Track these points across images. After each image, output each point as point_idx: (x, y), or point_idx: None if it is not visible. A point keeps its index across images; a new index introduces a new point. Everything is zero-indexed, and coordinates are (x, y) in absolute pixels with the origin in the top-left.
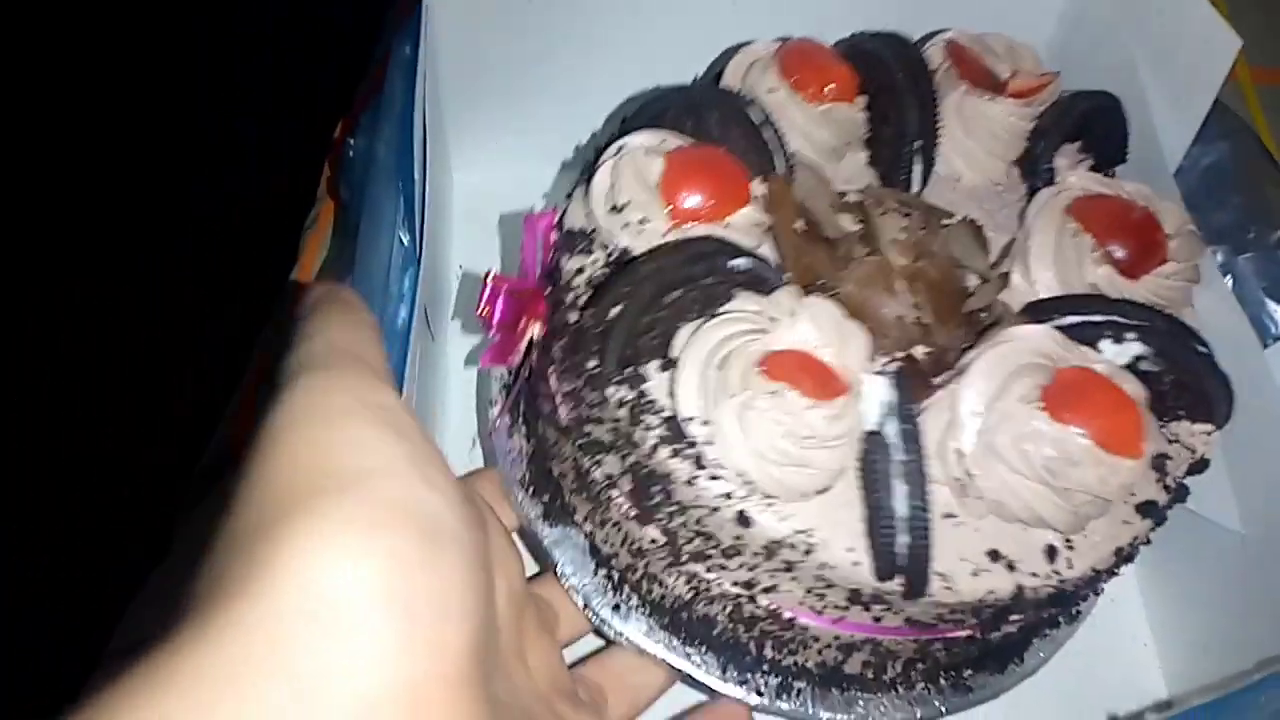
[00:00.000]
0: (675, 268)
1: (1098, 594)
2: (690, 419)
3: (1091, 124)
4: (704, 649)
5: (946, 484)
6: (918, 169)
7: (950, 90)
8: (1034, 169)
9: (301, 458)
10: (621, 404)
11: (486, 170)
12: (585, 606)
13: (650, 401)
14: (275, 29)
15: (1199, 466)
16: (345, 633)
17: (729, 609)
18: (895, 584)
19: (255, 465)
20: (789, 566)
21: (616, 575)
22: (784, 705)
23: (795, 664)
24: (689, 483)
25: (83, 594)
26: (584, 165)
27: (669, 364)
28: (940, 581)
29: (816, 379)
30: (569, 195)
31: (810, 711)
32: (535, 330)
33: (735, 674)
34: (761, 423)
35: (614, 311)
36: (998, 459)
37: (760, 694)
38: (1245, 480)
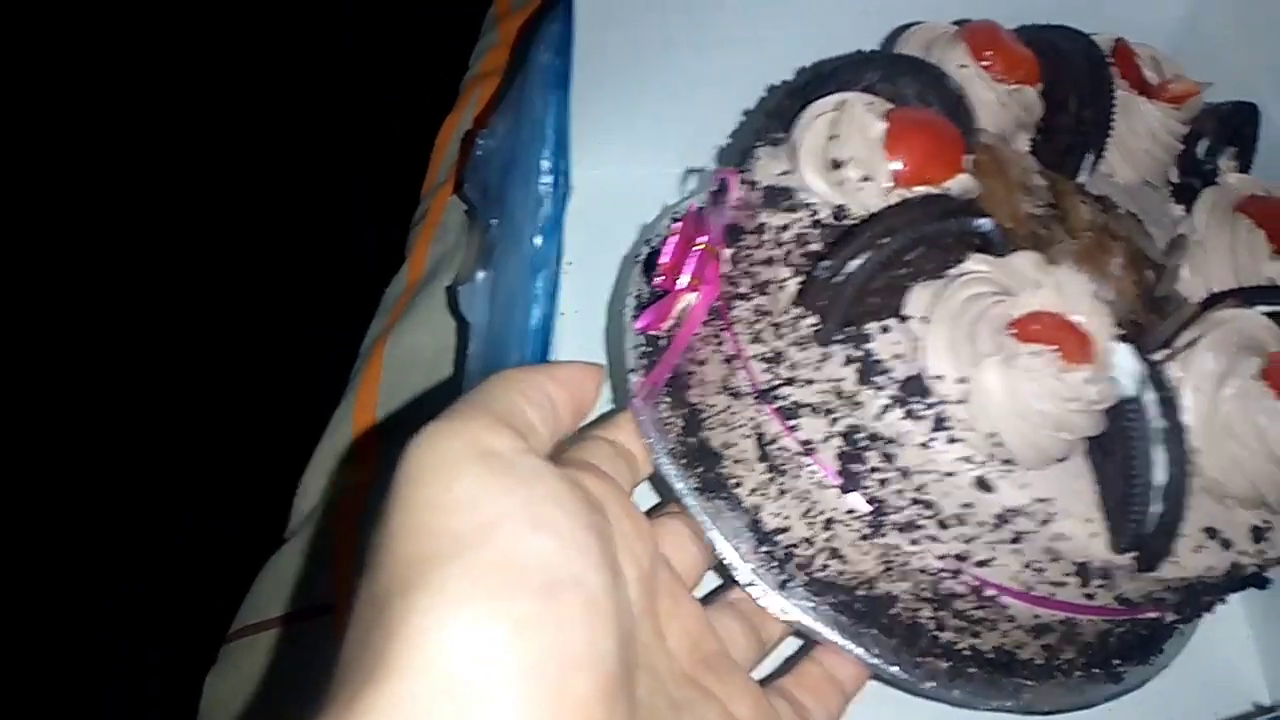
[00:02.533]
0: (916, 224)
1: None
2: (941, 377)
3: (1238, 130)
4: (875, 630)
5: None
6: (1088, 159)
7: (1117, 87)
8: (1195, 169)
9: (421, 520)
10: (847, 362)
11: (608, 167)
12: (745, 586)
13: (878, 361)
14: (371, 24)
15: None
16: (475, 708)
17: (920, 585)
18: (1128, 558)
19: (383, 525)
20: (1017, 538)
21: (782, 551)
22: (954, 693)
23: (971, 648)
24: (924, 445)
25: (126, 601)
26: (772, 123)
27: (904, 322)
28: (1169, 557)
29: (1074, 341)
30: (754, 154)
31: (978, 699)
32: (695, 297)
33: (907, 657)
34: (1025, 382)
35: (850, 267)
36: (1228, 436)
37: (931, 680)
38: None
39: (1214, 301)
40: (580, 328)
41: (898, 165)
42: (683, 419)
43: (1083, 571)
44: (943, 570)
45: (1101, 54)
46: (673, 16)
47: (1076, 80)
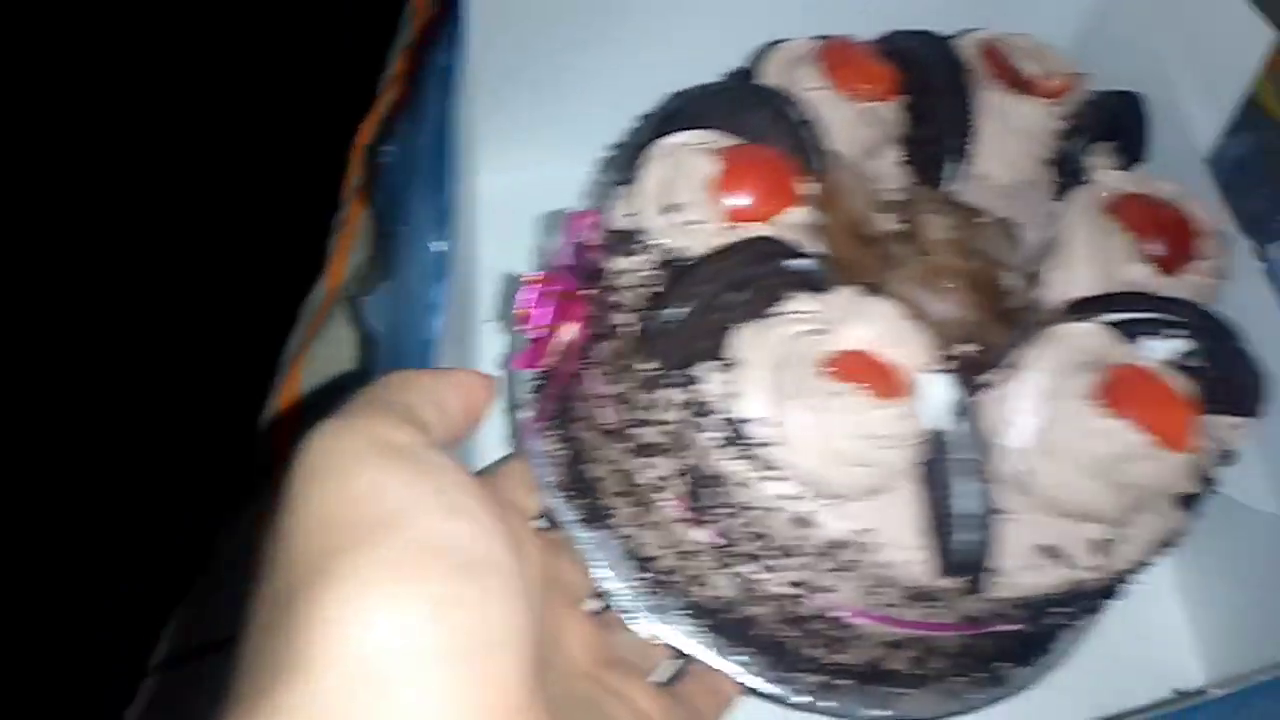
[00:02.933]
0: (736, 268)
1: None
2: (755, 420)
3: (1120, 123)
4: (747, 649)
5: (1000, 481)
6: (951, 168)
7: (983, 89)
8: (1067, 168)
9: (322, 513)
10: (678, 406)
11: (517, 171)
12: (625, 612)
13: (708, 403)
14: (289, 31)
15: (1228, 459)
16: (397, 694)
17: (777, 609)
18: (956, 582)
19: (280, 525)
20: (847, 566)
21: (655, 579)
22: (826, 704)
23: (839, 663)
24: (749, 485)
25: (126, 601)
26: (623, 165)
27: (727, 365)
28: (996, 577)
29: (881, 378)
30: (609, 195)
31: (851, 709)
32: (573, 332)
33: (778, 674)
34: (831, 423)
35: (673, 313)
36: (1056, 456)
37: (803, 694)
38: (1276, 463)
39: (1075, 310)
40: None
41: (730, 205)
42: (569, 452)
43: (917, 595)
44: (790, 595)
45: (957, 58)
46: (584, 14)
47: (938, 88)
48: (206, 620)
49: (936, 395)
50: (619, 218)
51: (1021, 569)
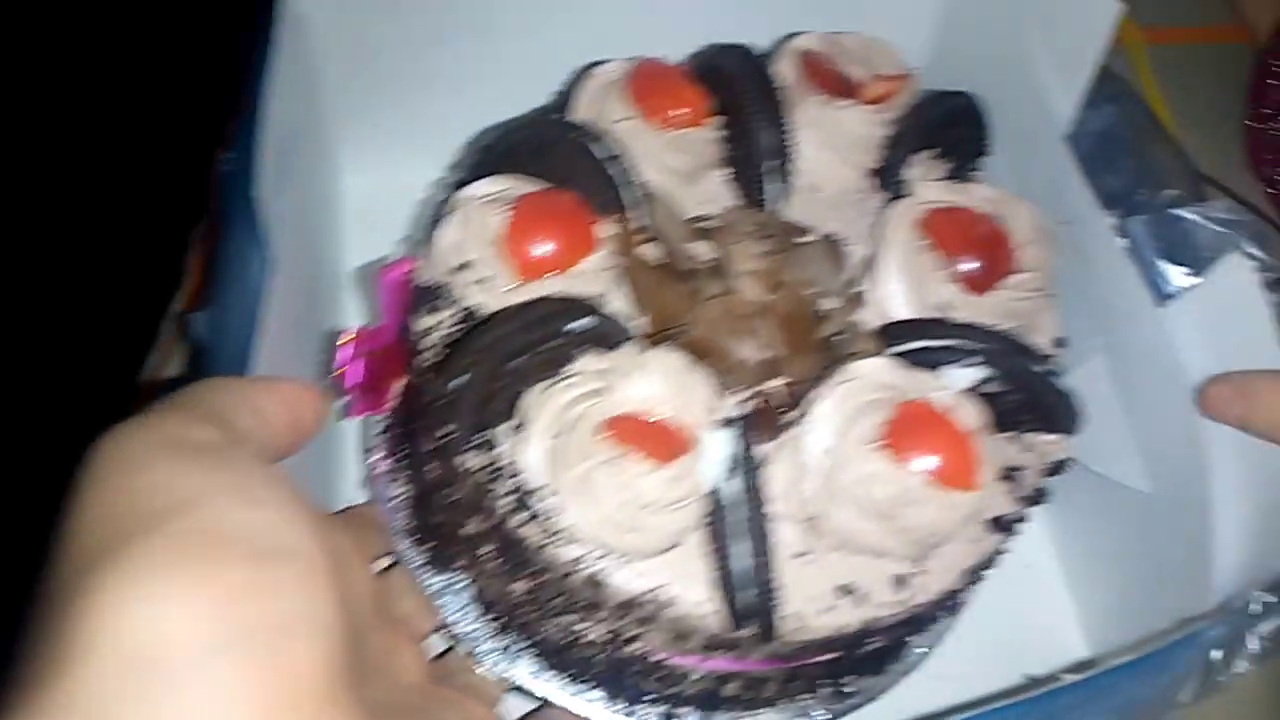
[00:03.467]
0: (515, 335)
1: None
2: (537, 489)
3: (948, 126)
4: (590, 685)
5: (796, 524)
6: (773, 187)
7: (804, 100)
8: (888, 180)
9: (106, 507)
10: (473, 471)
11: (379, 173)
12: (472, 653)
13: (501, 468)
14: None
15: (1058, 469)
16: (181, 686)
17: (603, 653)
18: (747, 632)
19: (64, 526)
20: (648, 618)
21: (501, 620)
22: None
23: (676, 693)
24: (541, 549)
25: None
26: (429, 218)
27: (518, 428)
28: (792, 622)
29: (657, 441)
30: (420, 247)
31: None
32: (399, 385)
33: (622, 706)
34: (603, 492)
35: (459, 381)
36: (840, 499)
37: None
38: (1149, 440)
39: (882, 336)
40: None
41: (520, 260)
42: (414, 497)
43: (715, 643)
44: (609, 642)
45: (766, 72)
46: (442, 14)
47: (751, 106)
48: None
49: (713, 453)
50: (424, 272)
51: (819, 611)
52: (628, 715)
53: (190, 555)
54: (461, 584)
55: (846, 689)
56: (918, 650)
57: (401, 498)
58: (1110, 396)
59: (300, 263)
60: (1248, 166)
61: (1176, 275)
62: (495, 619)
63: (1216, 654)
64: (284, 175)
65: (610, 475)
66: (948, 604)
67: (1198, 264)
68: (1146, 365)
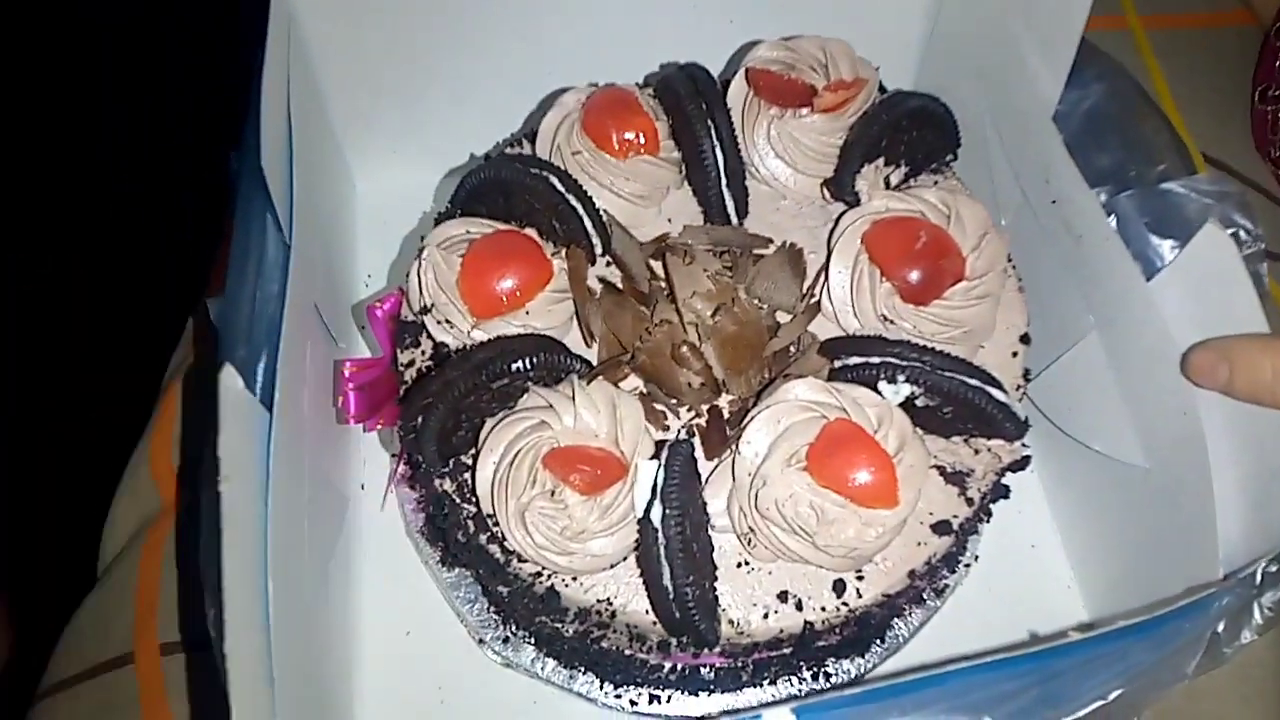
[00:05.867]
0: (462, 378)
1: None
2: (488, 516)
3: (907, 130)
4: (581, 670)
5: (736, 535)
6: (734, 201)
7: (762, 114)
8: (840, 189)
9: None
10: (448, 494)
11: (388, 180)
12: (480, 642)
13: (467, 493)
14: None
15: (1019, 465)
16: None
17: (581, 646)
18: (686, 639)
19: None
20: (602, 627)
21: (502, 614)
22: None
23: (658, 678)
24: (505, 564)
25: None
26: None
27: (475, 458)
28: (733, 627)
29: (592, 471)
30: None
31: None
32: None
33: (610, 689)
34: (540, 520)
35: (415, 421)
36: (766, 517)
37: (634, 703)
38: (1143, 415)
39: (824, 352)
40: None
41: (474, 301)
42: (426, 503)
43: (666, 645)
44: (580, 637)
45: (714, 93)
46: (432, 21)
47: (694, 131)
48: (99, 636)
49: (646, 479)
50: (406, 307)
51: (761, 617)
52: (616, 698)
53: None
54: (469, 579)
55: (830, 669)
56: (903, 631)
57: (416, 500)
58: (1104, 374)
59: (316, 254)
60: (1254, 149)
61: (1166, 249)
62: (498, 612)
63: (1221, 626)
64: (298, 172)
65: (546, 505)
66: (892, 610)
67: (1187, 237)
68: (1138, 341)
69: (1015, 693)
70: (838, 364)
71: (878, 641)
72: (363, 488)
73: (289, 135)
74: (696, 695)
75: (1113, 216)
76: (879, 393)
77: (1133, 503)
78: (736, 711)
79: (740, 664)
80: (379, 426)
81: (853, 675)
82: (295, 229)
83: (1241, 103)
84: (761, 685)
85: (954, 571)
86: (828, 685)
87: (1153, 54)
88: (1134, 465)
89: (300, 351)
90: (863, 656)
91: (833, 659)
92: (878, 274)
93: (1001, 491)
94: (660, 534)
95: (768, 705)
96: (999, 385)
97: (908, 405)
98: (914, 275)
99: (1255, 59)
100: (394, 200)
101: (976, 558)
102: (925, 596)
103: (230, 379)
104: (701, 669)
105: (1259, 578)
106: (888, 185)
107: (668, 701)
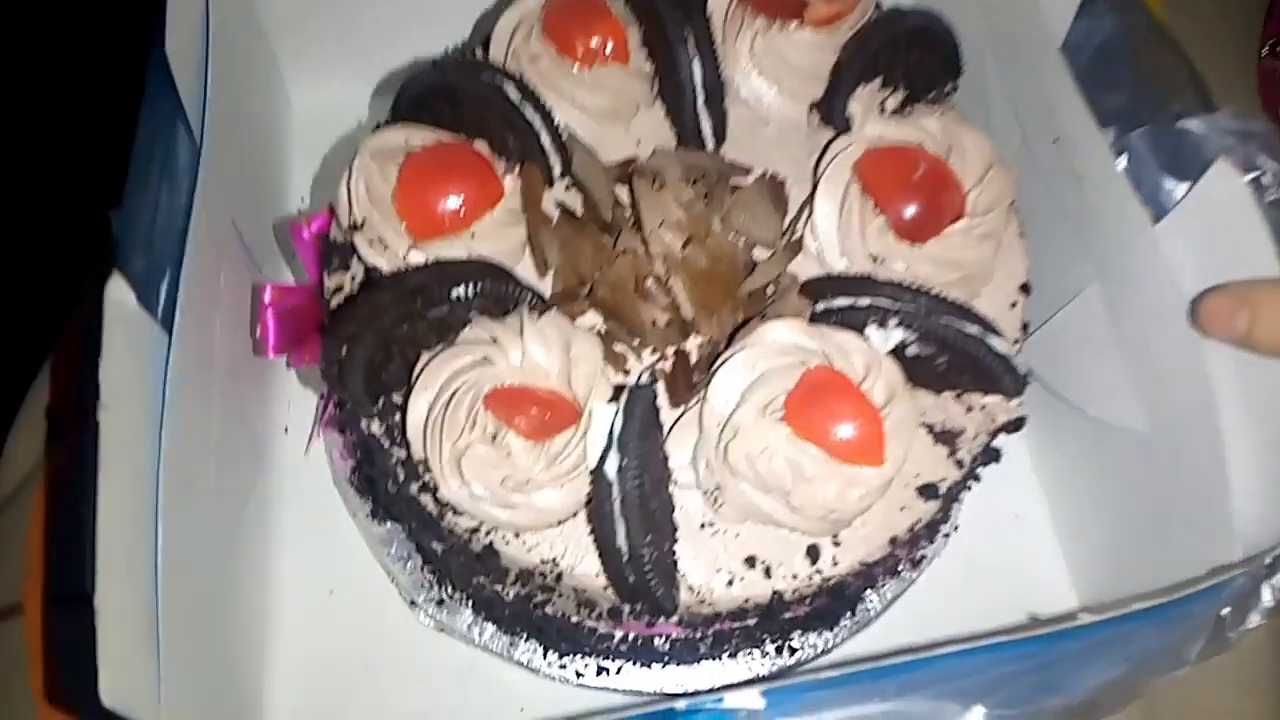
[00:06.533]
0: (394, 305)
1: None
2: (420, 462)
3: (904, 50)
4: (523, 637)
5: (701, 493)
6: (709, 123)
7: (745, 25)
8: (830, 114)
9: None
10: (372, 437)
11: (328, 94)
12: (413, 604)
13: (396, 435)
14: None
15: (1015, 426)
16: None
17: (523, 611)
18: (639, 607)
19: None
20: (547, 589)
21: (437, 573)
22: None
23: (606, 648)
24: (439, 517)
25: None
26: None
27: (406, 397)
28: (693, 595)
29: (539, 415)
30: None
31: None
32: None
33: (554, 659)
34: (478, 469)
35: (343, 352)
36: (736, 472)
37: (580, 674)
38: (1146, 375)
39: (805, 292)
40: None
41: (412, 219)
42: (356, 449)
43: (618, 613)
44: (523, 601)
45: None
46: None
47: (670, 42)
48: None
49: (602, 427)
50: (335, 228)
51: (725, 584)
52: (561, 668)
53: None
54: (402, 535)
55: (794, 643)
56: (874, 605)
57: (344, 445)
58: (1104, 331)
59: (236, 166)
60: (1263, 108)
61: (1180, 193)
62: (433, 572)
63: (1226, 610)
64: (215, 70)
65: (486, 450)
66: (869, 580)
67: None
68: (1143, 294)
69: (1011, 677)
70: (821, 306)
71: (848, 614)
72: (286, 431)
73: (205, 25)
74: (649, 667)
75: (1124, 155)
76: (866, 338)
77: (1132, 472)
78: (696, 693)
79: (698, 635)
80: (305, 364)
81: (819, 650)
82: (208, 133)
83: (1248, 61)
84: (720, 659)
85: (933, 541)
86: (791, 661)
87: (1160, 3)
88: (1134, 430)
89: (213, 271)
90: (830, 630)
91: (799, 632)
92: (869, 207)
93: (992, 455)
94: (615, 488)
95: (732, 687)
96: (998, 334)
97: (897, 354)
98: (910, 209)
99: (1265, 12)
100: (335, 117)
101: (956, 527)
102: (901, 568)
103: (119, 292)
104: (655, 639)
105: (1268, 559)
106: (883, 111)
107: (617, 673)
